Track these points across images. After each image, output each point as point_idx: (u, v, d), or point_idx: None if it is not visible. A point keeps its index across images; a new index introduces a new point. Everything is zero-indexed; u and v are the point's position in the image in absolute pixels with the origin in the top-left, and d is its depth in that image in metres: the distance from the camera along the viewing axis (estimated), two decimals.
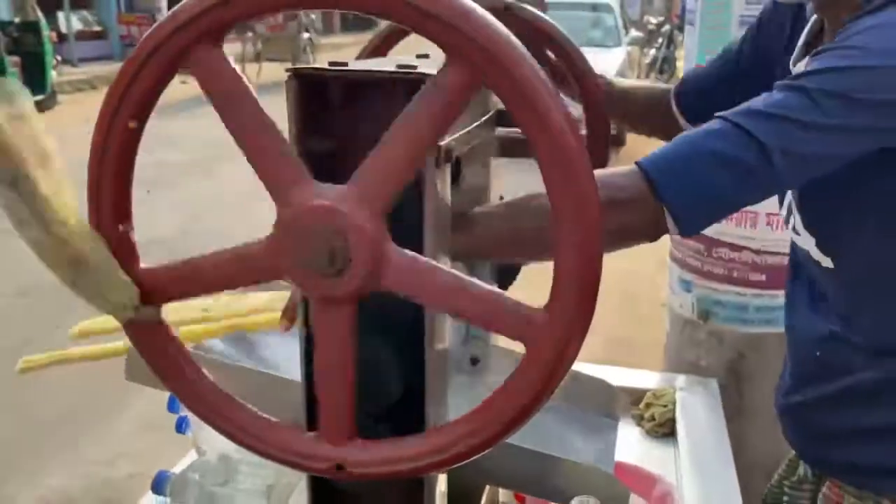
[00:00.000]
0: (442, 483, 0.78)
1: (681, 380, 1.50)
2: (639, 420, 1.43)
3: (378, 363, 0.66)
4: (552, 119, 0.51)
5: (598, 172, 0.55)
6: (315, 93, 0.63)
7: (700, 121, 0.92)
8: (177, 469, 1.07)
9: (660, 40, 10.83)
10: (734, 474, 1.18)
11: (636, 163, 0.74)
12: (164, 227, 4.74)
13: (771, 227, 1.63)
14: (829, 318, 0.93)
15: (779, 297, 1.70)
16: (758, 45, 1.04)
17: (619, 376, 1.54)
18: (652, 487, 0.93)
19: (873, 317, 0.89)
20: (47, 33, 9.00)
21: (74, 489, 2.62)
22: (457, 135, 0.69)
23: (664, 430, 1.38)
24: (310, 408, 0.65)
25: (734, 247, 1.67)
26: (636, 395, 1.47)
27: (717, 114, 0.75)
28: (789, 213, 0.96)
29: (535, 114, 0.51)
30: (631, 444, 1.36)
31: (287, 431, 0.61)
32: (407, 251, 0.55)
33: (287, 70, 0.62)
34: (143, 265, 0.60)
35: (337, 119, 0.65)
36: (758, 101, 0.74)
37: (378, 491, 0.72)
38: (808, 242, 0.91)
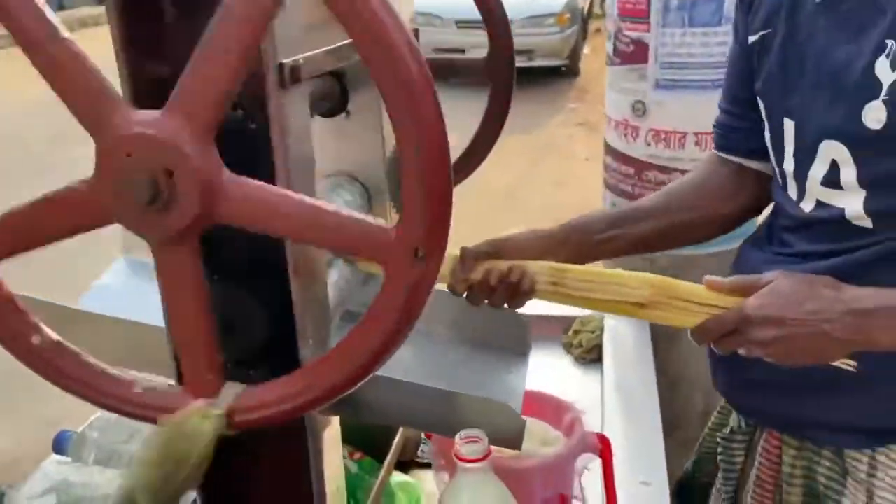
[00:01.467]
0: (332, 427, 0.74)
1: None
2: (568, 348, 1.42)
3: (237, 304, 0.61)
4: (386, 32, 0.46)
5: None
6: (140, 5, 0.57)
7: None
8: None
9: None
10: (656, 399, 1.17)
11: None
12: None
13: (700, 146, 1.60)
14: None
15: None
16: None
17: (550, 304, 1.52)
18: (563, 414, 0.91)
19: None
20: None
21: (19, 450, 2.58)
22: (312, 53, 0.63)
23: (591, 357, 1.37)
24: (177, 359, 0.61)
25: (664, 169, 1.64)
26: (566, 324, 1.46)
27: None
28: (799, 168, 0.84)
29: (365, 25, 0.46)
30: (559, 372, 1.35)
31: (149, 387, 0.56)
32: (242, 178, 0.50)
33: None
34: None
35: (168, 37, 0.59)
36: None
37: (260, 438, 0.68)
38: (847, 200, 0.79)
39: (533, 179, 5.00)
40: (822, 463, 0.89)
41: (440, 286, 0.93)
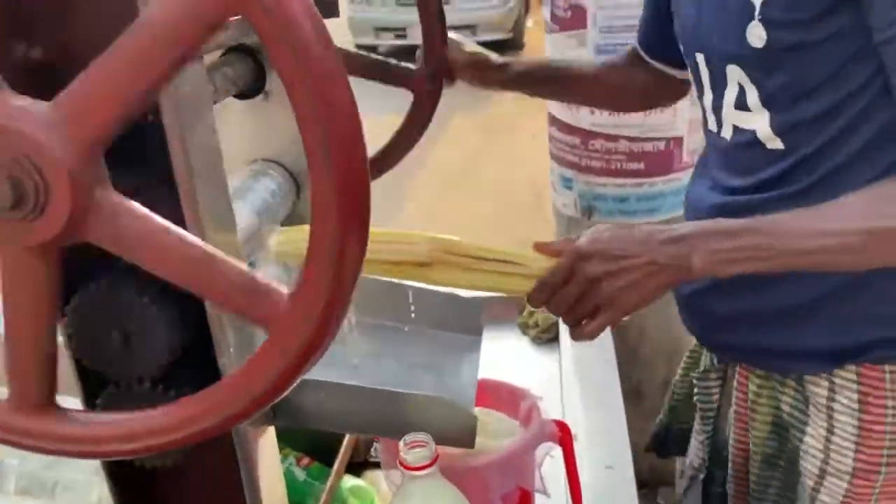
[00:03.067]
0: (267, 436, 0.68)
1: None
2: (524, 328, 1.37)
3: (142, 315, 0.54)
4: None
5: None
6: None
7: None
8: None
9: None
10: (616, 376, 1.13)
11: None
12: None
13: (643, 112, 1.56)
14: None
15: (658, 184, 1.66)
16: None
17: None
18: (519, 402, 0.86)
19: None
20: None
21: None
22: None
23: (549, 336, 1.32)
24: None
25: (610, 137, 1.60)
26: (522, 304, 1.41)
27: None
28: (717, 97, 0.87)
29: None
30: (516, 355, 1.31)
31: None
32: (123, 200, 0.43)
33: None
34: None
35: (56, 17, 0.51)
36: None
37: (185, 457, 0.62)
38: (756, 121, 0.83)
39: (482, 156, 4.95)
40: (787, 392, 0.91)
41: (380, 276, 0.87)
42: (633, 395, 1.82)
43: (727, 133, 0.87)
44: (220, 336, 0.57)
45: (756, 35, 0.77)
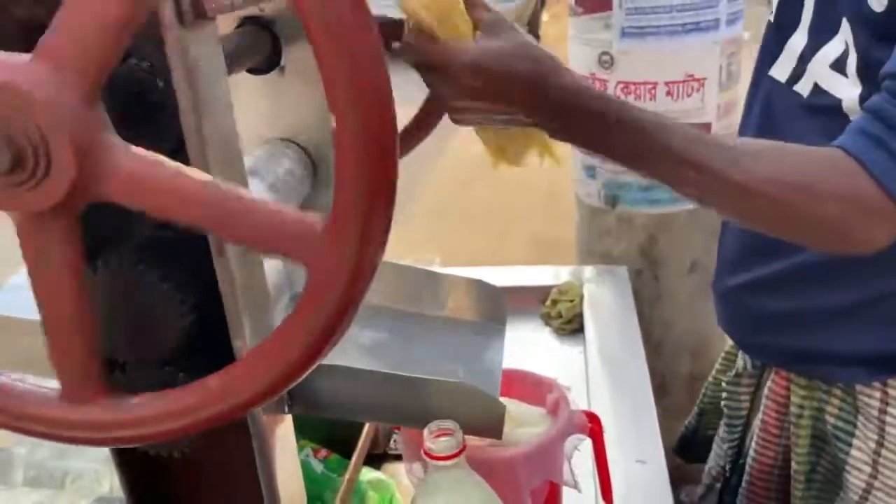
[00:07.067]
0: (284, 425, 0.65)
1: (588, 271, 1.40)
2: (546, 319, 1.33)
3: (152, 294, 0.51)
4: None
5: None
6: None
7: None
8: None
9: None
10: (645, 368, 1.09)
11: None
12: None
13: (672, 96, 1.51)
14: None
15: None
16: None
17: (526, 275, 1.43)
18: (547, 393, 0.82)
19: None
20: None
21: None
22: None
23: (573, 327, 1.28)
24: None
25: None
26: (544, 294, 1.37)
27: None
28: (812, 45, 0.78)
29: None
30: (539, 346, 1.27)
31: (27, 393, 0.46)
32: (133, 147, 0.40)
33: None
34: None
35: None
36: None
37: (198, 446, 0.59)
38: (846, 89, 0.74)
39: None
40: (832, 402, 0.85)
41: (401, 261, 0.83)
42: (658, 390, 1.78)
43: (804, 88, 0.77)
44: (234, 317, 0.54)
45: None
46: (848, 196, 0.61)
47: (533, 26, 7.59)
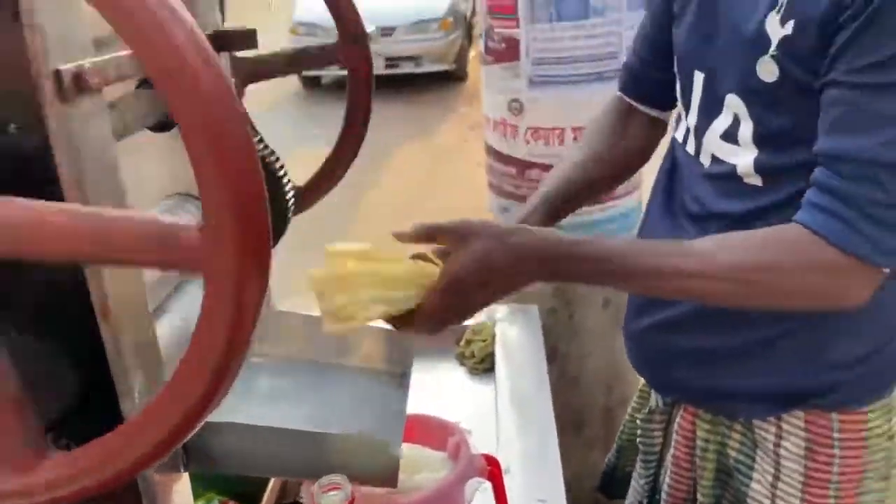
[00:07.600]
0: (181, 483, 0.65)
1: (501, 311, 1.44)
2: (461, 359, 1.36)
3: (42, 360, 0.51)
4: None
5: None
6: None
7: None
8: None
9: None
10: (550, 408, 1.12)
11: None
12: None
13: (579, 141, 1.57)
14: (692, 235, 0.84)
15: (594, 212, 1.67)
16: None
17: None
18: (448, 437, 0.84)
19: None
20: None
21: None
22: (104, 57, 0.53)
23: (485, 366, 1.31)
24: None
25: (545, 167, 1.61)
26: (459, 333, 1.40)
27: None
28: (702, 122, 0.85)
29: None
30: (452, 386, 1.29)
31: None
32: None
33: None
34: None
35: None
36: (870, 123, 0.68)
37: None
38: (740, 156, 0.80)
39: (428, 184, 4.96)
40: (734, 437, 0.90)
41: (303, 311, 0.84)
42: (574, 423, 1.82)
43: (705, 160, 0.84)
44: (122, 380, 0.55)
45: (768, 69, 0.74)
46: (816, 265, 0.70)
47: (460, 64, 7.74)
